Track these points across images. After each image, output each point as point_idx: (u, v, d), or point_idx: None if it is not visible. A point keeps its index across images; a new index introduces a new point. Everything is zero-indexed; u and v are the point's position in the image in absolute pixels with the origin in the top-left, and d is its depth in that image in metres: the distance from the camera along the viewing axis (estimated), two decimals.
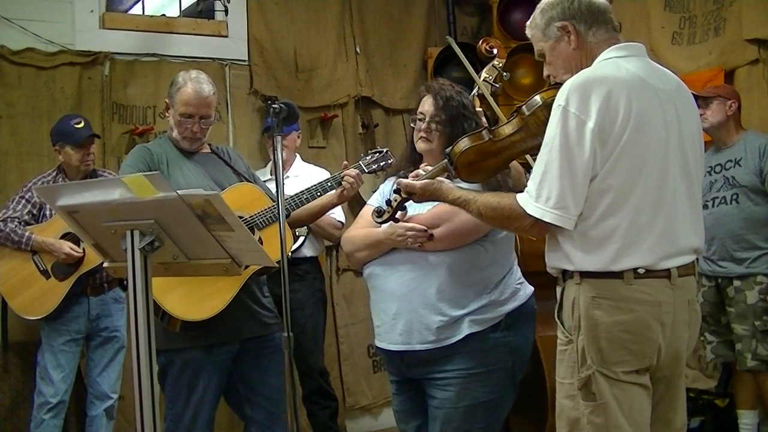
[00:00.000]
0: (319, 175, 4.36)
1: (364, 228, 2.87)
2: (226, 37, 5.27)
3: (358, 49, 5.62)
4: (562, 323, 2.27)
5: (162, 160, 3.12)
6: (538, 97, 2.31)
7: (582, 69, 2.25)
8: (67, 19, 4.76)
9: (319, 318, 4.61)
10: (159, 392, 2.09)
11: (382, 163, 3.36)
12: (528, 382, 3.96)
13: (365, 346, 5.45)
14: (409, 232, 2.69)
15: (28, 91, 4.61)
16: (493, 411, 2.74)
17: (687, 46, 4.94)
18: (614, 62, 2.25)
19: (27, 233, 3.98)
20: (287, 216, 3.12)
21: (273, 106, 2.78)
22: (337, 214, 4.54)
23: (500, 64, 3.46)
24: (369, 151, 3.45)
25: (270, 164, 4.75)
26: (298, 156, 4.78)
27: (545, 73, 2.40)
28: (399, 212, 2.58)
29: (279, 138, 2.76)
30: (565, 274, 2.26)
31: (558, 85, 2.26)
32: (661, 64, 2.43)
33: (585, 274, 2.20)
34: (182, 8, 5.38)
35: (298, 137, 4.79)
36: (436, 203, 2.68)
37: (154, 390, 2.03)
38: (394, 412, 2.97)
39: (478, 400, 2.68)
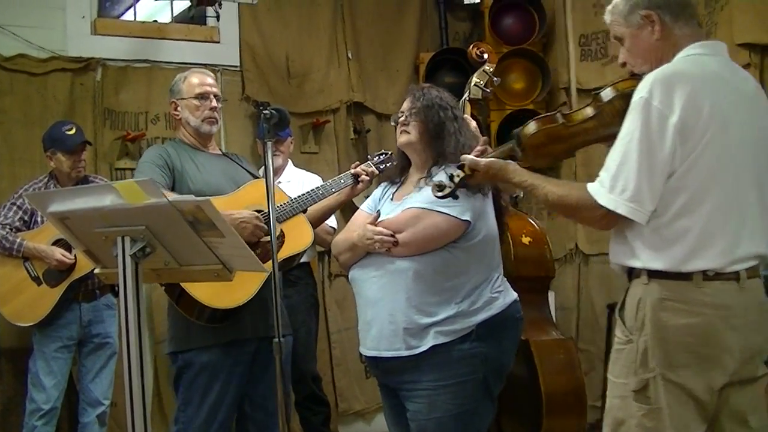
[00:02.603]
0: (312, 180, 4.36)
1: (352, 232, 2.86)
2: (218, 42, 5.27)
3: (350, 55, 5.62)
4: (623, 321, 2.21)
5: (178, 158, 3.14)
6: (615, 87, 2.26)
7: (662, 62, 2.19)
8: (58, 25, 4.76)
9: (312, 323, 4.60)
10: (150, 398, 2.09)
11: (389, 164, 3.38)
12: (522, 385, 3.98)
13: (358, 352, 5.42)
14: (377, 237, 2.69)
15: (20, 97, 4.61)
16: (468, 423, 2.68)
17: None
18: (699, 59, 2.18)
19: (18, 240, 3.98)
20: (304, 211, 3.20)
21: (264, 111, 2.80)
22: (330, 219, 4.54)
23: (491, 69, 3.48)
24: (375, 153, 3.47)
25: (261, 170, 4.74)
26: (290, 161, 4.78)
27: (621, 59, 2.33)
28: (460, 189, 2.43)
29: (270, 143, 2.79)
30: (632, 273, 2.20)
31: (636, 76, 2.21)
32: None
33: (653, 274, 2.14)
34: (174, 14, 5.38)
35: (291, 143, 4.79)
36: (407, 207, 2.68)
37: (145, 396, 2.03)
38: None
39: (449, 412, 2.65)
